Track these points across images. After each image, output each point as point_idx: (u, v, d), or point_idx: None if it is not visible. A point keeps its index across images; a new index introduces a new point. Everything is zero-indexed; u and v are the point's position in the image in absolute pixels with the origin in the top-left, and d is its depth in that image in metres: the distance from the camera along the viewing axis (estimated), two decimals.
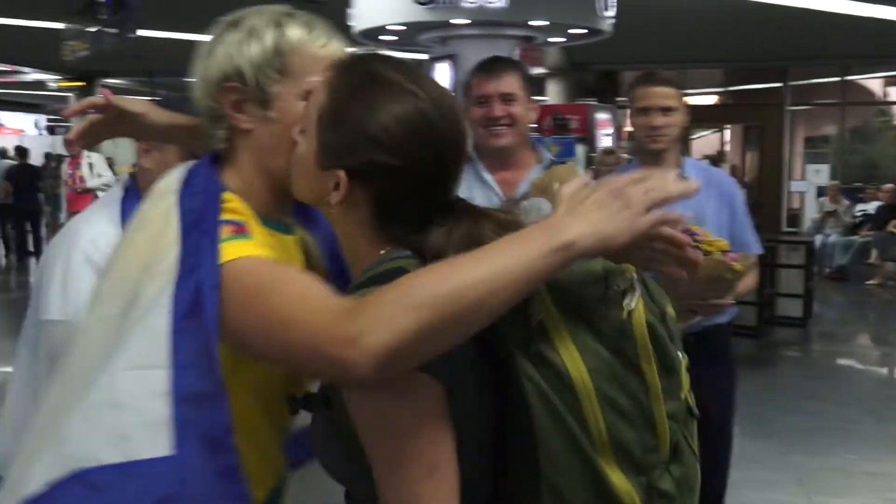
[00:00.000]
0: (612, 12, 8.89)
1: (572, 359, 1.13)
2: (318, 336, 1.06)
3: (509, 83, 2.62)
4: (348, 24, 9.38)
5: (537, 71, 11.30)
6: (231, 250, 1.21)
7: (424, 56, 10.24)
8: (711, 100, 20.91)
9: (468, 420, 1.13)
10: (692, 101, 21.11)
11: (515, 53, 8.75)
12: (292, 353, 1.11)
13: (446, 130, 1.19)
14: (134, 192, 2.06)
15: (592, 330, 1.15)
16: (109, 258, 1.34)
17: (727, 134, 20.63)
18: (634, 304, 1.17)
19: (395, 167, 1.17)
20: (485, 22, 8.57)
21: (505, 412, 1.16)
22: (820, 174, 16.14)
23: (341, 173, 1.18)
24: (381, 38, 9.63)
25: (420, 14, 8.49)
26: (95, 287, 1.32)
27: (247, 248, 1.22)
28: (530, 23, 8.69)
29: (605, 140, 9.77)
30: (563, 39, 9.59)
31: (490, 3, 8.27)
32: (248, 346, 1.18)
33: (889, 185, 13.98)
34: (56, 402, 1.24)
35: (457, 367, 1.10)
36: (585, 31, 9.12)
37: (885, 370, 7.87)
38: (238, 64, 1.34)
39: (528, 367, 1.12)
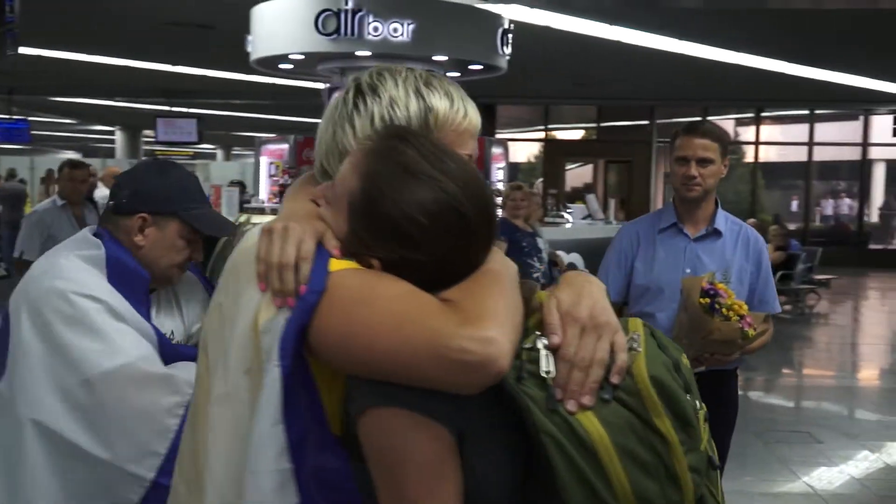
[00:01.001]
0: (509, 50, 9.19)
1: (585, 416, 1.14)
2: (444, 336, 1.06)
3: None
4: (246, 51, 9.35)
5: None
6: (337, 264, 1.21)
7: (321, 85, 10.28)
8: (581, 134, 21.69)
9: (486, 464, 1.14)
10: (565, 135, 22.05)
11: None
12: (408, 356, 1.08)
13: (478, 223, 1.19)
14: (120, 252, 1.98)
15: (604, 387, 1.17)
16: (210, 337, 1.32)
17: (599, 166, 21.43)
18: (631, 360, 1.18)
19: (425, 261, 1.18)
20: (386, 55, 8.69)
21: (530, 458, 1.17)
22: None
23: (375, 262, 1.20)
24: (280, 66, 9.62)
25: (322, 44, 8.53)
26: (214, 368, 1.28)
27: (351, 265, 1.21)
28: (432, 58, 8.87)
29: (498, 173, 10.02)
30: (459, 75, 9.81)
31: (394, 36, 8.41)
32: (347, 355, 1.14)
33: (751, 220, 14.86)
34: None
35: (470, 414, 1.11)
36: (482, 67, 9.38)
37: (767, 395, 8.37)
38: None
39: (546, 423, 1.13)
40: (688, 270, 3.02)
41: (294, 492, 1.15)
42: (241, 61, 9.92)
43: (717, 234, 3.11)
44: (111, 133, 25.78)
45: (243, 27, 9.24)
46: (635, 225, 3.31)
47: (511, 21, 9.30)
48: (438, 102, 1.33)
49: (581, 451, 1.13)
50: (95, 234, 2.05)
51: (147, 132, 22.19)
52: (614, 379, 1.17)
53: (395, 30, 8.41)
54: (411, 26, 8.44)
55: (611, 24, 11.65)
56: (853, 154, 21.11)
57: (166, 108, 18.45)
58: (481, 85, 12.02)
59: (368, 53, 8.66)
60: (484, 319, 1.08)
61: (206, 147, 30.64)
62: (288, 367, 1.14)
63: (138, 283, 2.00)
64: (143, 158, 20.94)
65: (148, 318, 2.00)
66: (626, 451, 1.14)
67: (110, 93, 18.33)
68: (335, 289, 1.16)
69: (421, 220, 1.17)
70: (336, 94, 1.39)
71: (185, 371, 1.88)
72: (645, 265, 3.11)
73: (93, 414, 1.84)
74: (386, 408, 1.11)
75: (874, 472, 5.67)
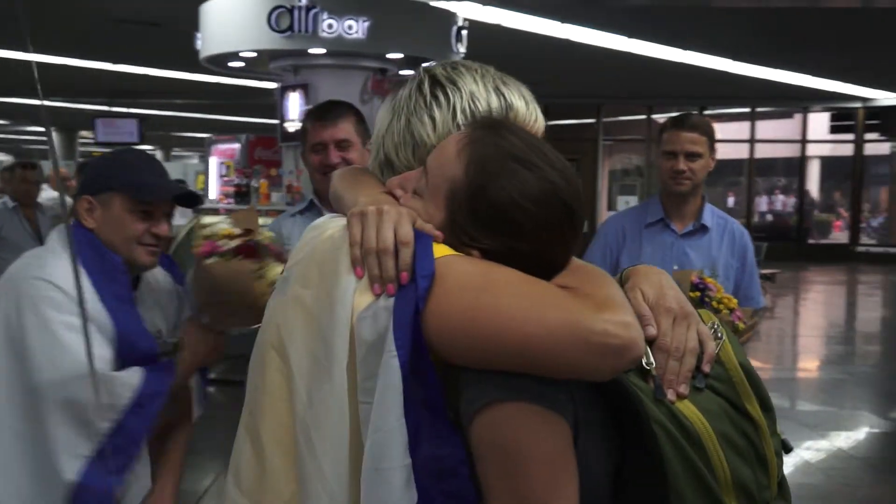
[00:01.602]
0: (464, 48, 9.17)
1: (684, 404, 1.17)
2: (585, 321, 1.03)
3: (344, 129, 2.66)
4: (194, 49, 9.18)
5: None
6: (442, 249, 1.15)
7: (273, 84, 10.14)
8: None
9: (592, 458, 1.12)
10: None
11: (368, 85, 8.85)
12: (547, 341, 1.04)
13: (579, 215, 1.18)
14: (88, 238, 2.04)
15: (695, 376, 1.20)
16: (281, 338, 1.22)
17: None
18: (718, 348, 1.23)
19: (528, 252, 1.15)
20: (340, 52, 8.60)
21: (626, 456, 1.15)
22: (630, 205, 17.18)
23: (475, 252, 1.15)
24: (229, 64, 9.46)
25: (275, 42, 8.40)
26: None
27: (452, 252, 1.16)
28: (387, 56, 8.81)
29: None
30: (413, 72, 9.75)
31: (349, 34, 8.32)
32: (472, 344, 1.08)
33: None
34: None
35: (580, 406, 1.10)
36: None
37: None
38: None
39: (657, 413, 1.14)
40: (675, 266, 3.01)
41: (413, 486, 1.08)
42: (187, 59, 9.73)
43: (703, 229, 3.11)
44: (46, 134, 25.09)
45: (191, 24, 9.06)
46: (621, 219, 3.29)
47: (465, 19, 9.27)
48: (517, 101, 1.30)
49: (687, 440, 1.14)
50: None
51: (84, 133, 21.65)
52: (706, 367, 1.21)
53: (350, 27, 8.31)
54: (366, 23, 8.35)
55: (561, 21, 11.71)
56: (792, 151, 21.60)
57: (105, 108, 18.02)
58: None
59: (323, 51, 8.56)
60: (615, 305, 1.06)
61: (145, 148, 29.99)
62: (405, 356, 1.08)
63: (114, 269, 2.04)
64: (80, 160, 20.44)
65: (130, 307, 2.04)
66: (725, 436, 1.18)
67: (47, 92, 17.87)
68: (449, 275, 1.11)
69: (530, 208, 1.13)
70: (403, 87, 1.32)
71: (129, 375, 1.94)
72: (631, 261, 3.10)
73: (30, 409, 1.89)
74: (514, 402, 1.06)
75: (833, 460, 5.78)
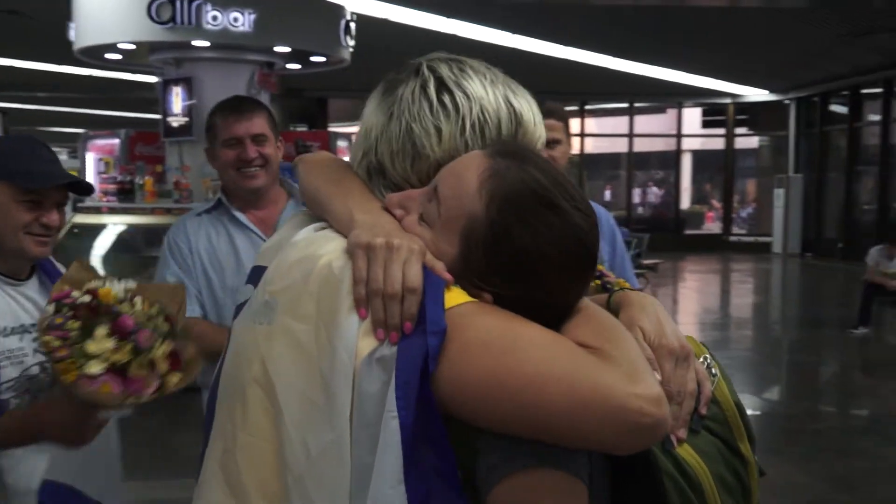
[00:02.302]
0: (352, 42, 9.07)
1: (683, 448, 1.13)
2: (619, 395, 0.95)
3: (259, 124, 2.60)
4: (67, 40, 8.77)
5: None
6: (455, 295, 1.04)
7: (153, 78, 9.80)
8: None
9: None
10: None
11: (255, 79, 8.65)
12: (573, 415, 0.96)
13: (594, 260, 1.10)
14: None
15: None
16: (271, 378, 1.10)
17: None
18: (714, 385, 1.20)
19: (545, 299, 1.07)
20: (226, 45, 8.37)
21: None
22: None
23: (486, 295, 1.06)
24: (106, 56, 9.08)
25: (157, 33, 8.11)
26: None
27: (465, 296, 1.05)
28: (274, 49, 8.62)
29: None
30: (300, 67, 9.60)
31: (234, 26, 8.11)
32: (493, 410, 0.99)
33: None
34: None
35: (592, 467, 1.04)
36: (325, 59, 9.21)
37: None
38: (471, 150, 1.14)
39: (667, 465, 1.10)
40: None
41: None
42: (56, 51, 9.29)
43: None
44: None
45: (61, 14, 8.65)
46: None
47: (353, 13, 9.17)
48: (526, 114, 1.18)
49: (689, 485, 1.11)
50: None
51: None
52: (703, 410, 1.15)
53: (236, 19, 8.11)
54: (252, 16, 8.16)
55: (447, 17, 11.75)
56: (667, 145, 22.34)
57: None
58: (311, 78, 11.83)
59: (207, 44, 8.31)
60: (643, 374, 0.98)
61: None
62: (408, 417, 0.98)
63: (12, 260, 1.99)
64: None
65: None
66: (720, 477, 1.15)
67: None
68: (466, 329, 1.00)
69: (554, 257, 1.04)
70: (403, 85, 1.18)
71: None
72: None
73: None
74: (541, 469, 0.99)
75: None
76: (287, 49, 8.66)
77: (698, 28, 12.83)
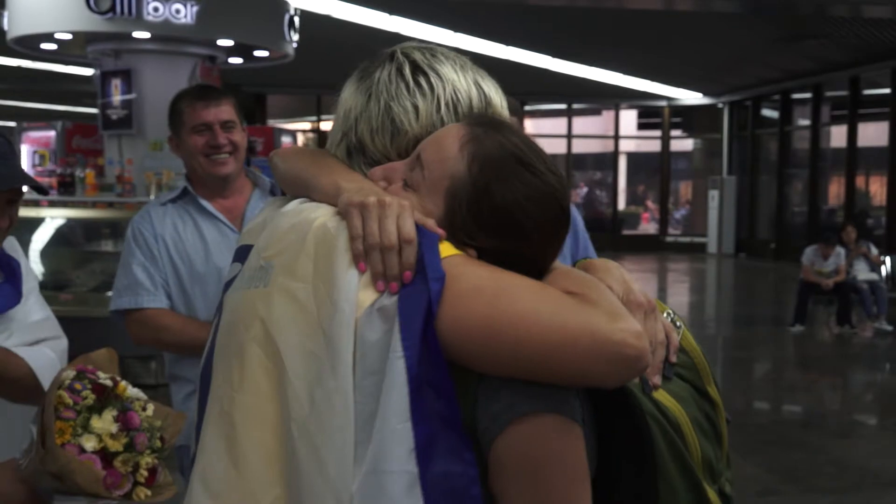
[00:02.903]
0: (296, 36, 8.96)
1: (660, 394, 1.21)
2: (604, 330, 1.02)
3: (227, 110, 2.58)
4: (0, 28, 8.50)
5: None
6: (445, 248, 1.11)
7: (87, 70, 9.55)
8: None
9: (588, 456, 1.13)
10: (330, 126, 21.95)
11: (196, 72, 8.50)
12: (569, 351, 1.02)
13: (568, 218, 1.19)
14: None
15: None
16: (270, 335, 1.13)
17: None
18: (680, 336, 1.29)
19: (525, 254, 1.15)
20: (167, 37, 8.20)
21: (609, 445, 1.17)
22: None
23: (471, 251, 1.14)
24: (42, 46, 8.82)
25: (95, 24, 7.89)
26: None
27: (455, 250, 1.12)
28: (217, 42, 8.47)
29: None
30: (242, 61, 9.45)
31: (176, 18, 7.94)
32: (492, 351, 1.05)
33: None
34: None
35: (583, 409, 1.10)
36: (268, 53, 9.09)
37: None
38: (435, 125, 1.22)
39: (649, 406, 1.17)
40: None
41: (419, 496, 1.03)
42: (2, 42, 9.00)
43: None
44: None
45: None
46: None
47: (296, 8, 9.07)
48: (494, 97, 1.28)
49: (671, 427, 1.18)
50: None
51: None
52: (673, 357, 1.25)
53: (178, 11, 7.92)
54: (195, 8, 7.99)
55: (389, 13, 11.71)
56: (604, 146, 22.62)
57: None
58: (250, 74, 11.68)
59: (147, 35, 8.12)
60: (624, 314, 1.06)
61: None
62: (413, 358, 1.03)
63: None
64: None
65: None
66: (694, 419, 1.24)
67: None
68: (459, 278, 1.07)
69: (532, 210, 1.13)
70: (381, 68, 1.25)
71: None
72: None
73: None
74: (543, 414, 1.05)
75: None
76: (230, 42, 8.51)
77: (635, 30, 13.02)
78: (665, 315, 1.28)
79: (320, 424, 1.07)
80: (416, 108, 1.22)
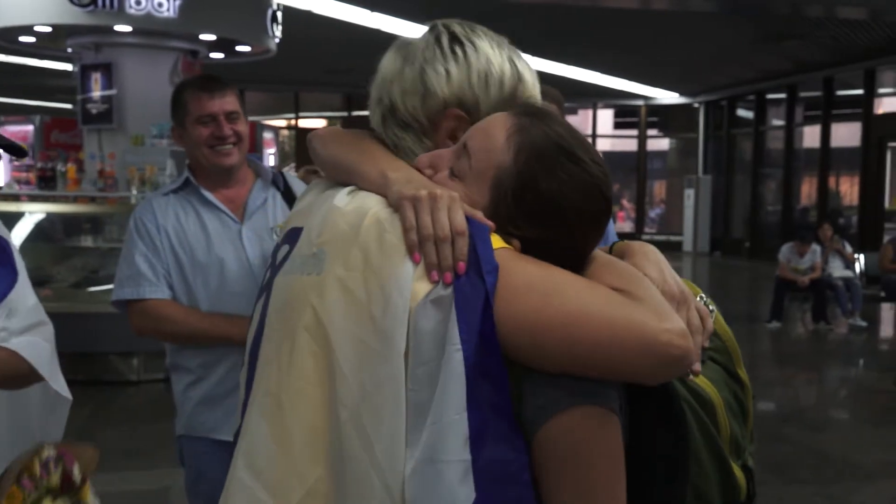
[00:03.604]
0: (279, 32, 8.94)
1: (699, 379, 1.25)
2: (651, 330, 1.04)
3: (231, 101, 2.58)
4: None
5: None
6: (496, 240, 1.12)
7: (65, 65, 9.47)
8: (328, 123, 21.60)
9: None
10: (314, 123, 21.89)
11: (178, 66, 8.46)
12: (617, 350, 1.05)
13: (611, 208, 1.21)
14: None
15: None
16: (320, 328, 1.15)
17: None
18: (713, 318, 1.30)
19: (568, 245, 1.17)
20: (149, 31, 8.15)
21: (643, 430, 1.20)
22: None
23: (515, 242, 1.15)
24: (20, 38, 8.73)
25: (77, 16, 7.84)
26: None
27: (503, 243, 1.14)
28: (199, 37, 8.43)
29: (270, 159, 9.74)
30: (223, 56, 9.41)
31: (159, 12, 7.90)
32: (541, 347, 1.07)
33: None
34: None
35: (621, 399, 1.13)
36: (250, 48, 9.06)
37: None
38: (477, 97, 1.26)
39: (685, 393, 1.21)
40: None
41: (472, 485, 1.05)
42: None
43: None
44: None
45: None
46: None
47: (278, 3, 9.05)
48: (526, 74, 1.31)
49: (704, 409, 1.24)
50: None
51: None
52: (706, 343, 1.25)
53: (160, 4, 7.90)
54: (177, 1, 7.97)
55: (370, 10, 11.69)
56: None
57: None
58: (230, 69, 11.63)
59: (129, 28, 8.09)
60: (669, 312, 1.09)
61: None
62: (470, 350, 1.05)
63: None
64: None
65: None
66: (726, 402, 1.29)
67: None
68: (511, 274, 1.09)
69: (577, 201, 1.15)
70: (422, 36, 1.31)
71: None
72: None
73: None
74: (585, 406, 1.08)
75: None
76: (212, 37, 8.48)
77: (611, 29, 13.09)
78: (698, 298, 1.30)
79: (371, 410, 1.09)
80: (448, 72, 1.25)
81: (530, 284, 1.08)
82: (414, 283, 1.09)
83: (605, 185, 1.17)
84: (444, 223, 1.10)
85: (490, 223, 1.14)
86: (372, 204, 1.18)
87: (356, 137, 1.34)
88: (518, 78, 1.29)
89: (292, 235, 1.30)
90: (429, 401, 1.06)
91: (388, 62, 1.31)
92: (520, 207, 1.15)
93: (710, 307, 1.31)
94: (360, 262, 1.13)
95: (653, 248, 1.30)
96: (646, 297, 1.09)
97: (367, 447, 1.08)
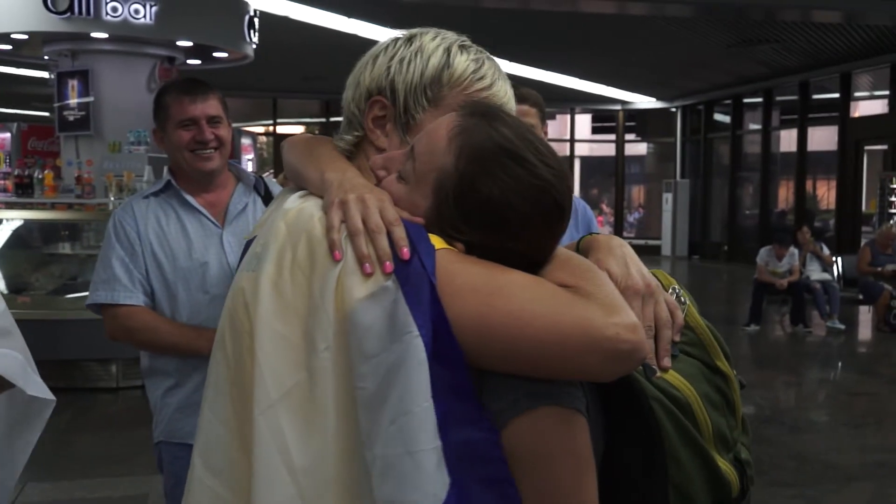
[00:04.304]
0: (256, 38, 8.92)
1: (670, 374, 1.22)
2: (597, 325, 1.02)
3: (214, 105, 2.58)
4: None
5: None
6: (438, 241, 1.12)
7: (45, 74, 9.40)
8: (305, 129, 21.55)
9: (595, 446, 1.14)
10: (292, 130, 21.83)
11: (156, 73, 8.41)
12: (562, 347, 1.03)
13: (568, 212, 1.17)
14: None
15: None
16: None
17: None
18: (685, 313, 1.29)
19: (514, 248, 1.13)
20: (126, 38, 8.11)
21: (615, 431, 1.19)
22: None
23: (459, 245, 1.13)
24: None
25: (53, 24, 7.78)
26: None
27: (442, 243, 1.12)
28: (177, 43, 8.39)
29: (248, 165, 9.70)
30: (200, 62, 9.37)
31: (135, 18, 7.86)
32: (487, 348, 1.06)
33: None
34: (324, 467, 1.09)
35: (586, 399, 1.11)
36: (227, 54, 9.02)
37: None
38: (394, 81, 1.25)
39: (653, 391, 1.19)
40: None
41: (445, 470, 1.04)
42: None
43: None
44: None
45: None
46: None
47: (255, 9, 9.02)
48: (461, 64, 1.27)
49: (678, 407, 1.20)
50: None
51: None
52: (676, 337, 1.24)
53: (137, 11, 7.86)
54: (154, 8, 7.93)
55: (347, 16, 11.68)
56: (560, 150, 22.75)
57: None
58: (206, 76, 11.59)
59: (105, 35, 8.03)
60: (619, 306, 1.06)
61: None
62: (428, 335, 1.04)
63: None
64: None
65: None
66: (706, 396, 1.25)
67: None
68: (456, 275, 1.07)
69: (519, 205, 1.11)
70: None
71: None
72: None
73: None
74: (544, 407, 1.06)
75: None
76: (189, 43, 8.45)
77: (589, 34, 13.14)
78: (671, 291, 1.28)
79: (288, 411, 1.10)
80: (375, 62, 1.28)
81: (473, 285, 1.07)
82: (347, 280, 1.07)
83: (557, 188, 1.13)
84: (375, 218, 1.10)
85: (419, 219, 1.13)
86: (311, 205, 1.19)
87: (312, 142, 1.35)
88: (447, 63, 1.25)
89: (251, 243, 1.33)
90: (383, 394, 1.04)
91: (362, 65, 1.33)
92: (461, 211, 1.12)
93: (683, 299, 1.29)
94: (289, 261, 1.14)
95: (619, 242, 1.28)
96: (596, 292, 1.07)
97: (282, 449, 1.09)
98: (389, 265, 1.07)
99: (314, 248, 1.12)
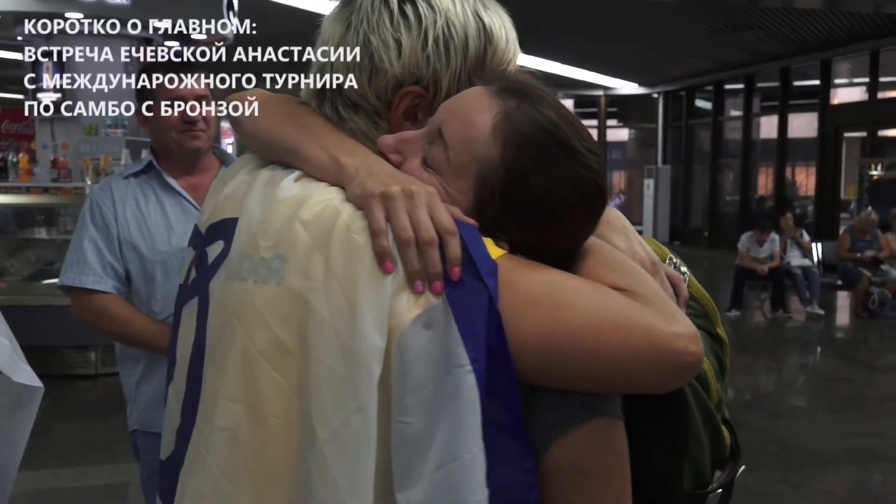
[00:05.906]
0: (236, 19, 8.79)
1: None
2: (664, 338, 0.94)
3: (202, 85, 2.52)
4: None
5: None
6: (489, 245, 0.97)
7: (19, 55, 9.24)
8: None
9: None
10: None
11: (133, 56, 8.28)
12: (628, 362, 0.94)
13: (605, 200, 1.07)
14: None
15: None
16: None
17: None
18: (686, 282, 1.24)
19: (561, 246, 1.04)
20: (101, 17, 7.96)
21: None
22: None
23: (503, 244, 1.01)
24: None
25: (25, 3, 7.64)
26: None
27: (496, 248, 0.99)
28: (154, 24, 8.26)
29: (228, 149, 9.57)
30: (178, 44, 9.24)
31: None
32: (551, 363, 0.95)
33: None
34: None
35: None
36: (205, 36, 8.90)
37: None
38: (436, 71, 1.07)
39: None
40: None
41: None
42: None
43: None
44: None
45: None
46: None
47: None
48: (497, 31, 1.11)
49: (700, 384, 1.17)
50: None
51: None
52: (682, 311, 1.15)
53: None
54: None
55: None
56: None
57: None
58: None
59: (80, 15, 7.87)
60: (675, 311, 0.98)
61: None
62: (482, 370, 0.91)
63: None
64: None
65: None
66: (712, 365, 1.22)
67: None
68: (517, 286, 0.95)
69: (571, 200, 1.00)
70: None
71: None
72: None
73: None
74: (595, 419, 0.98)
75: None
76: (167, 24, 8.31)
77: (571, 19, 13.10)
78: (667, 261, 1.22)
79: (337, 448, 0.94)
80: (398, 43, 1.06)
81: (536, 297, 0.95)
82: (393, 298, 0.93)
83: (601, 177, 1.03)
84: (427, 223, 0.94)
85: (472, 221, 0.98)
86: (332, 198, 1.00)
87: (292, 109, 1.15)
88: (486, 38, 1.09)
89: (225, 229, 1.11)
90: (429, 433, 0.92)
91: (329, 25, 1.12)
92: (509, 208, 1.00)
93: (682, 269, 1.23)
94: (320, 272, 0.96)
95: (617, 214, 1.18)
96: (647, 292, 0.99)
97: (332, 491, 0.93)
98: (439, 285, 0.93)
99: (354, 256, 0.95)
